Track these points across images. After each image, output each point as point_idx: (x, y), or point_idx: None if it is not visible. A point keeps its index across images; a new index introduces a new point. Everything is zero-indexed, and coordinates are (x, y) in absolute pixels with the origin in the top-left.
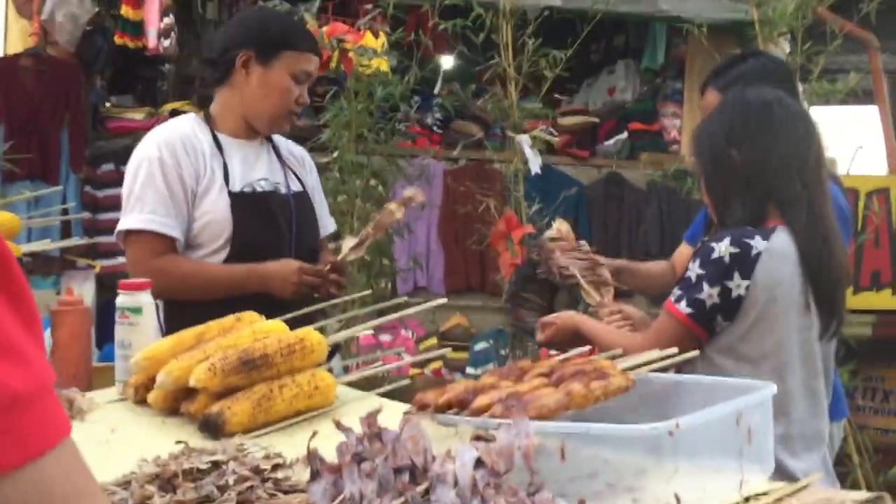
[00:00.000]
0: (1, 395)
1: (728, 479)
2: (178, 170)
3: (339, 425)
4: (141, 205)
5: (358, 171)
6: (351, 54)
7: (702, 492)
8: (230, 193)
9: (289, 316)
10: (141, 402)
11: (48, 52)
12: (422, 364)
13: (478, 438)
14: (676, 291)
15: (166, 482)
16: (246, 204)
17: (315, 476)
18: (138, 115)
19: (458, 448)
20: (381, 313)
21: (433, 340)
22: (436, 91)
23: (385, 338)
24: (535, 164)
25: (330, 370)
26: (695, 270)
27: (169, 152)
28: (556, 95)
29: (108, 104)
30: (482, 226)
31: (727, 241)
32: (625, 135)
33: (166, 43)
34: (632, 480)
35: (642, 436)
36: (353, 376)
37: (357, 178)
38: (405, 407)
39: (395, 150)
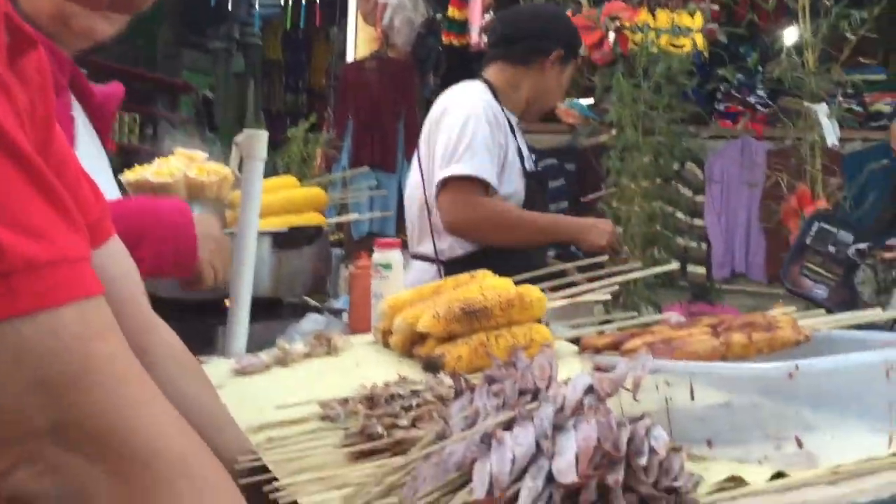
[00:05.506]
0: (16, 259)
1: (872, 436)
2: (497, 131)
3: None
4: (471, 154)
5: (638, 150)
6: (626, 32)
7: (831, 440)
8: (526, 172)
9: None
10: (386, 344)
11: (388, 54)
12: None
13: (598, 369)
14: None
15: (372, 401)
16: (535, 182)
17: (458, 394)
18: None
19: (576, 376)
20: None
21: None
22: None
23: None
24: (831, 136)
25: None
26: None
27: (490, 114)
28: (861, 59)
29: None
30: (771, 202)
31: None
32: None
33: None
34: (754, 424)
35: (759, 376)
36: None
37: (640, 157)
38: None
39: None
